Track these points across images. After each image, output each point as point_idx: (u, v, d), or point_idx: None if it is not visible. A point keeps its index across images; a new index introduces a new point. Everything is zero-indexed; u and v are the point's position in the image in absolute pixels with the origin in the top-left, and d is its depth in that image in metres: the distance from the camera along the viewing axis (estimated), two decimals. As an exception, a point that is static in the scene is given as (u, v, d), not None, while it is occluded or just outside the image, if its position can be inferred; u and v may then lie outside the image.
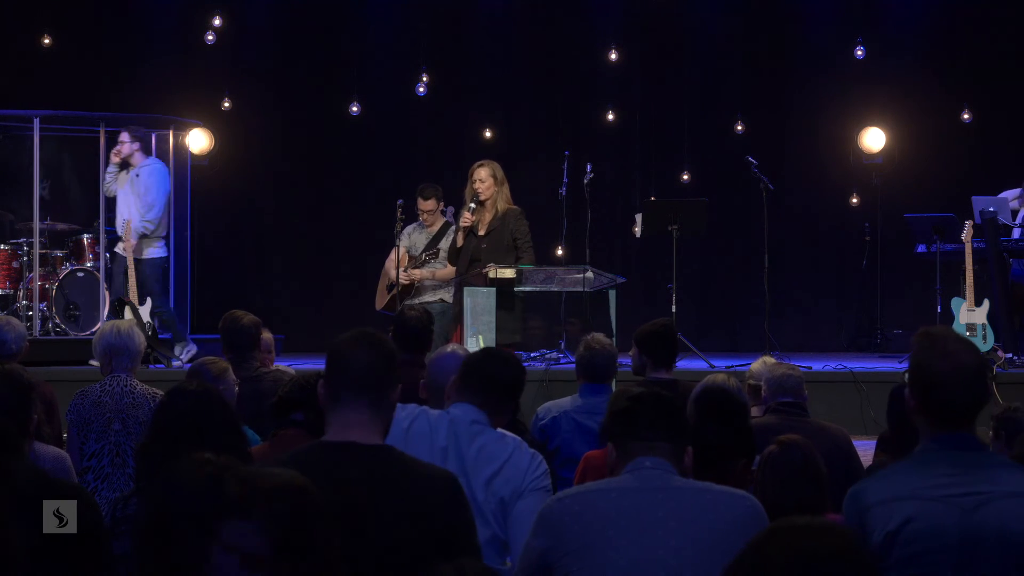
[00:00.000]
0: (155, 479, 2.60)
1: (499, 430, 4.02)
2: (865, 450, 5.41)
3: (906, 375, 3.17)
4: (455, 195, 10.93)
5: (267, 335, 6.84)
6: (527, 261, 9.04)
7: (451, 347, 4.56)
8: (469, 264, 8.90)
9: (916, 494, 3.01)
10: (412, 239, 10.17)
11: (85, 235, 11.29)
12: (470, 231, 8.99)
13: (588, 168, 10.84)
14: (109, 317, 10.65)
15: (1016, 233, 10.52)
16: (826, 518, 2.22)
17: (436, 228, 10.10)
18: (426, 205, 9.96)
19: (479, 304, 8.58)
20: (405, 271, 9.86)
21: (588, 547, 3.14)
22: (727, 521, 3.13)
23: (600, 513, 3.17)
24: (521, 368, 4.19)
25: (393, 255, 10.08)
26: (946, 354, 3.05)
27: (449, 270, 9.77)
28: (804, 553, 2.09)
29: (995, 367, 9.66)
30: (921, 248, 10.95)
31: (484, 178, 9.02)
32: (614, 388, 5.81)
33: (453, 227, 10.17)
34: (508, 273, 8.74)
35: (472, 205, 8.93)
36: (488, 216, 8.98)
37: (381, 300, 10.34)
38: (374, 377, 3.20)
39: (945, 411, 3.07)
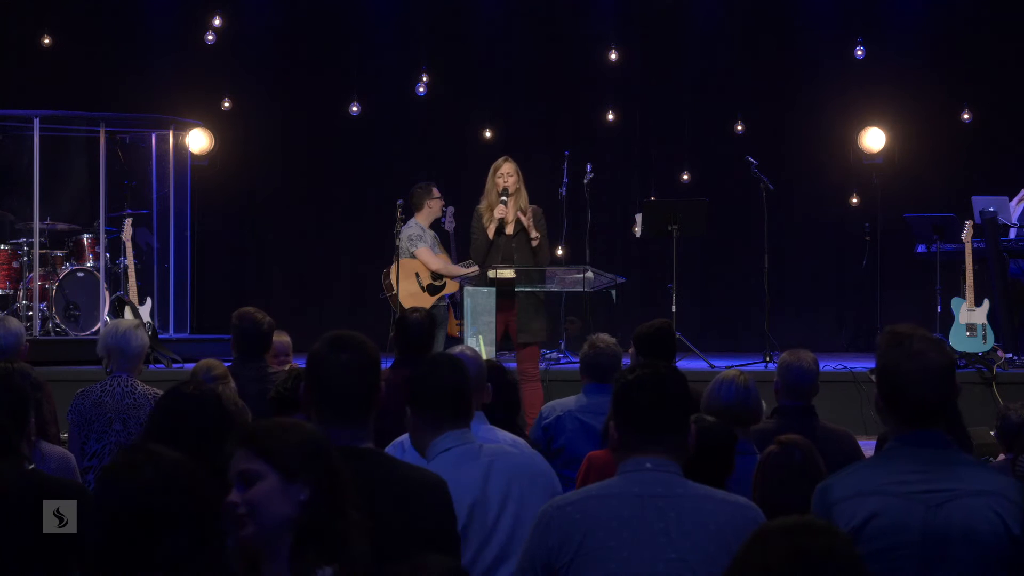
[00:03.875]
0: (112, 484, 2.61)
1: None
2: (865, 450, 5.40)
3: (872, 374, 3.19)
4: (454, 195, 10.93)
5: (285, 338, 6.79)
6: (542, 259, 9.02)
7: (458, 349, 4.51)
8: (500, 263, 8.87)
9: (881, 490, 3.02)
10: (428, 239, 9.91)
11: (85, 235, 11.29)
12: (498, 228, 8.93)
13: (588, 168, 10.83)
14: (109, 316, 10.66)
15: (1013, 233, 10.51)
16: (813, 517, 2.24)
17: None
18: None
19: (479, 304, 8.57)
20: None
21: (589, 557, 3.10)
22: (730, 532, 3.08)
23: (601, 523, 3.12)
24: (463, 362, 3.92)
25: (428, 255, 9.75)
26: (912, 354, 3.05)
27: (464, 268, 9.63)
28: (798, 553, 2.11)
29: (995, 367, 9.67)
30: (921, 248, 10.94)
31: (510, 172, 8.95)
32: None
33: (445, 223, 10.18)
34: (508, 273, 8.72)
35: (503, 199, 8.87)
36: (512, 214, 8.92)
37: (417, 301, 9.75)
38: (357, 400, 3.20)
39: (912, 410, 3.06)
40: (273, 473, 2.56)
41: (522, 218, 8.89)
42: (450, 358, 3.92)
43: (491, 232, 8.86)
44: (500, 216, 8.85)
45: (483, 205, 8.98)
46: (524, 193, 9.03)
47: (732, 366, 10.11)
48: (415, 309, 6.56)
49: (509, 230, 8.89)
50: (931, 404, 3.06)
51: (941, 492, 2.99)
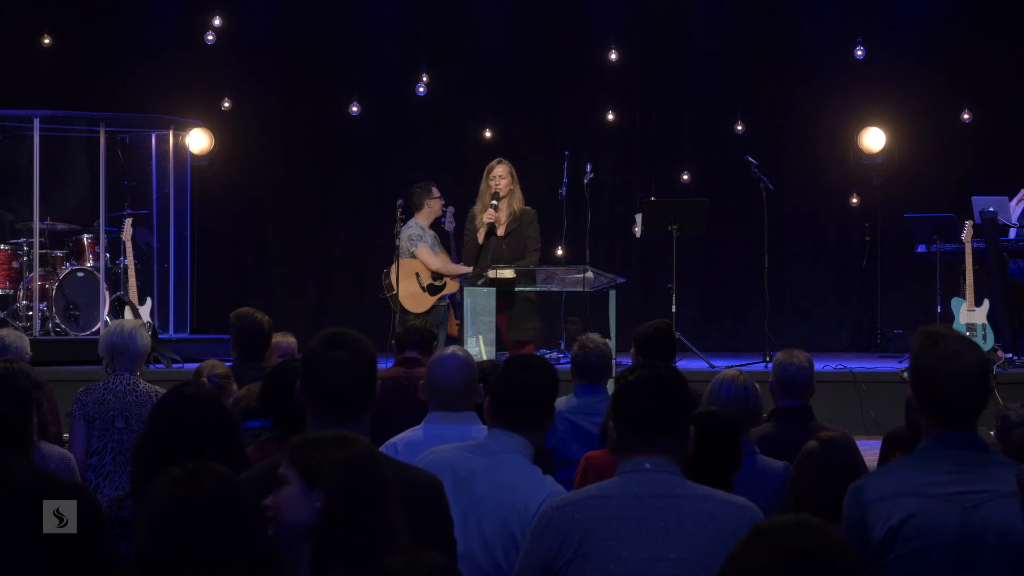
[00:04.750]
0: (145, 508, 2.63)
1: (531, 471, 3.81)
2: (865, 450, 5.39)
3: (904, 372, 3.19)
4: (454, 195, 10.92)
5: (291, 340, 6.79)
6: (531, 262, 9.04)
7: (451, 349, 4.50)
8: (490, 264, 8.89)
9: (917, 491, 3.02)
10: (428, 239, 9.89)
11: (85, 235, 11.29)
12: (490, 230, 8.96)
13: (588, 168, 10.84)
14: (109, 316, 10.66)
15: (1013, 233, 10.51)
16: (808, 516, 2.22)
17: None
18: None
19: (479, 304, 8.58)
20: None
21: (588, 557, 3.10)
22: (729, 532, 3.06)
23: (600, 522, 3.11)
24: (551, 371, 3.95)
25: (428, 254, 9.73)
26: (948, 355, 3.05)
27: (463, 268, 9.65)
28: (793, 553, 2.10)
29: (995, 367, 9.67)
30: (921, 248, 10.95)
31: (503, 174, 8.99)
32: (610, 389, 5.79)
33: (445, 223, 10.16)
34: (508, 273, 8.74)
35: (494, 202, 8.90)
36: (504, 215, 8.95)
37: (417, 301, 9.80)
38: (352, 398, 3.19)
39: (948, 412, 3.07)
40: (296, 479, 2.66)
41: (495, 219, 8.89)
42: (539, 362, 3.97)
43: (480, 237, 8.90)
44: (489, 220, 8.88)
45: (477, 207, 9.03)
46: (519, 194, 9.06)
47: (732, 366, 10.14)
48: (417, 317, 6.56)
49: (500, 232, 8.92)
50: (966, 406, 3.06)
51: (977, 493, 3.00)
